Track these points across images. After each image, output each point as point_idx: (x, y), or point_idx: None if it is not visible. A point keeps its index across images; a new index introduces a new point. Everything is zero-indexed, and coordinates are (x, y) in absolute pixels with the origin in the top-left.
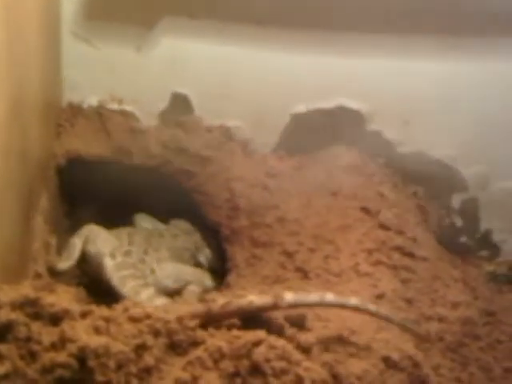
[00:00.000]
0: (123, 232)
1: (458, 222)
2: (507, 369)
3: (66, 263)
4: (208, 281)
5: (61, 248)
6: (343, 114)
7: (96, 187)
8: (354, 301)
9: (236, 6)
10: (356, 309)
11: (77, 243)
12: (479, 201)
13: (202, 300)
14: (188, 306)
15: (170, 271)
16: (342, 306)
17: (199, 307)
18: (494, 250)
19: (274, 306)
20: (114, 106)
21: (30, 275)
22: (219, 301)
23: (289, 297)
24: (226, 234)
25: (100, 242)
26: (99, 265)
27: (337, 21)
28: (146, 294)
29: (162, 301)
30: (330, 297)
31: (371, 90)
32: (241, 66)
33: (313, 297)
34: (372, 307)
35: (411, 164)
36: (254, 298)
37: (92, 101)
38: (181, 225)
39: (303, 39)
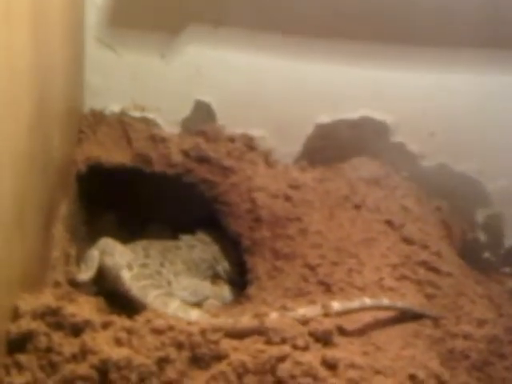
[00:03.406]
0: (138, 245)
1: (482, 238)
2: None
3: (86, 274)
4: (227, 294)
5: (79, 257)
6: (367, 125)
7: (116, 195)
8: (386, 301)
9: (261, 15)
10: (388, 308)
11: (95, 255)
12: (504, 216)
13: (255, 314)
14: (241, 320)
15: (187, 284)
16: (379, 308)
17: (253, 322)
18: None
19: (325, 316)
20: (136, 114)
21: (49, 284)
22: (272, 315)
23: (336, 305)
24: (247, 245)
25: (117, 254)
26: (116, 277)
27: (363, 32)
28: (175, 304)
29: (196, 313)
30: (368, 301)
31: (396, 101)
32: (265, 75)
33: (355, 303)
34: (400, 304)
35: (435, 177)
36: (305, 311)
37: (114, 108)
38: (198, 235)
39: (329, 49)
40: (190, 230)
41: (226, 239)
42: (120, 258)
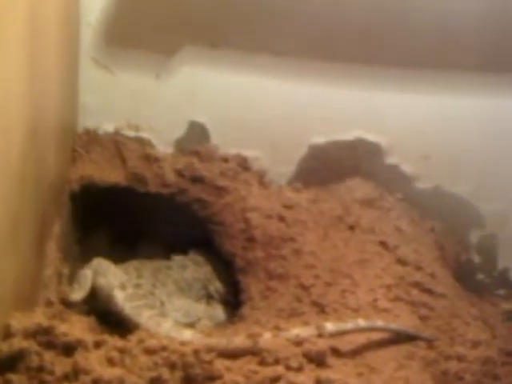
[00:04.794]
0: (130, 266)
1: (476, 259)
2: None
3: (78, 294)
4: (219, 314)
5: (72, 276)
6: (361, 146)
7: (109, 214)
8: (380, 323)
9: (256, 36)
10: (382, 329)
11: (88, 275)
12: (497, 238)
13: (249, 335)
14: (234, 340)
15: (180, 305)
16: (372, 329)
17: (246, 342)
18: None
19: (319, 336)
20: (131, 133)
21: (41, 303)
22: (266, 335)
23: (330, 326)
24: (241, 265)
25: (110, 274)
26: (109, 297)
27: (359, 54)
28: (168, 324)
29: (189, 333)
30: (362, 322)
31: (390, 123)
32: (259, 96)
33: (349, 324)
34: (394, 326)
35: (429, 199)
36: (299, 331)
37: (108, 127)
38: (191, 255)
39: (323, 71)
40: (183, 249)
41: (219, 259)
42: (113, 278)
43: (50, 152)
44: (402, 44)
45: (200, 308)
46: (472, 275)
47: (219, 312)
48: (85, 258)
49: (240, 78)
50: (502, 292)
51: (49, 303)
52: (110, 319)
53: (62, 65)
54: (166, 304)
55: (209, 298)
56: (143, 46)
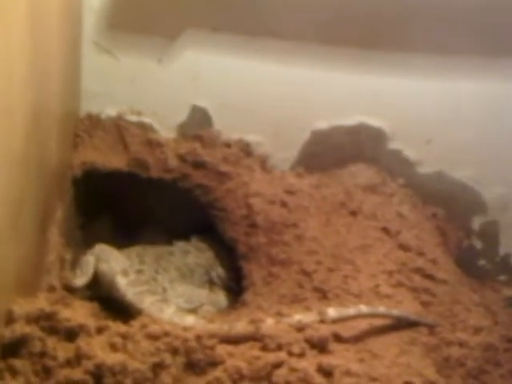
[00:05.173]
0: (132, 252)
1: (478, 245)
2: None
3: (81, 280)
4: (222, 300)
5: (74, 261)
6: (364, 131)
7: (111, 200)
8: (382, 309)
9: (259, 20)
10: (384, 316)
11: (90, 260)
12: (500, 224)
13: (251, 320)
14: (236, 325)
15: (182, 292)
16: (374, 315)
17: (248, 328)
18: None
19: (321, 322)
20: (133, 118)
21: (43, 288)
22: (268, 321)
23: (332, 312)
24: (243, 251)
25: (112, 260)
26: (111, 282)
27: (361, 38)
28: (171, 310)
29: (192, 318)
30: (364, 308)
31: (393, 108)
32: (262, 80)
33: (351, 310)
34: (396, 312)
35: (431, 184)
36: (302, 317)
37: (111, 112)
38: (193, 241)
39: (327, 55)
40: (185, 235)
41: (221, 245)
42: (115, 264)
43: (52, 137)
44: (406, 29)
45: (202, 294)
46: (474, 261)
47: (221, 298)
48: (87, 243)
49: (242, 63)
50: (503, 278)
51: (51, 289)
52: (113, 305)
53: (65, 49)
54: (168, 290)
55: (211, 283)
56: (145, 30)
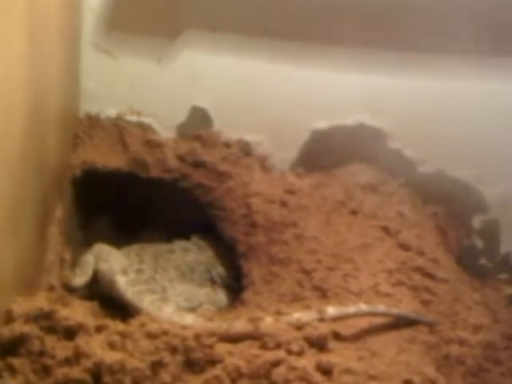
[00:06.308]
0: (131, 251)
1: (478, 244)
2: None
3: (80, 279)
4: (221, 299)
5: (74, 261)
6: (363, 131)
7: (111, 200)
8: (381, 307)
9: (259, 20)
10: (384, 314)
11: (90, 260)
12: (500, 222)
13: (250, 319)
14: (235, 324)
15: (182, 290)
16: (374, 314)
17: (247, 326)
18: None
19: (320, 321)
20: (132, 118)
21: (43, 287)
22: (267, 319)
23: (331, 310)
24: (243, 250)
25: (112, 259)
26: (111, 282)
27: (361, 38)
28: (170, 309)
29: (191, 317)
30: (363, 307)
31: (393, 107)
32: (261, 80)
33: (351, 309)
34: (396, 310)
35: (431, 183)
36: (301, 315)
37: (110, 112)
38: (193, 240)
39: (326, 55)
40: (185, 235)
41: (221, 244)
42: (115, 263)
43: (51, 136)
44: (404, 28)
45: (202, 293)
46: (474, 260)
47: (221, 297)
48: (87, 243)
49: (242, 63)
50: (504, 276)
51: (51, 288)
52: (112, 304)
53: (64, 49)
54: (167, 289)
55: (211, 282)
56: (145, 30)
